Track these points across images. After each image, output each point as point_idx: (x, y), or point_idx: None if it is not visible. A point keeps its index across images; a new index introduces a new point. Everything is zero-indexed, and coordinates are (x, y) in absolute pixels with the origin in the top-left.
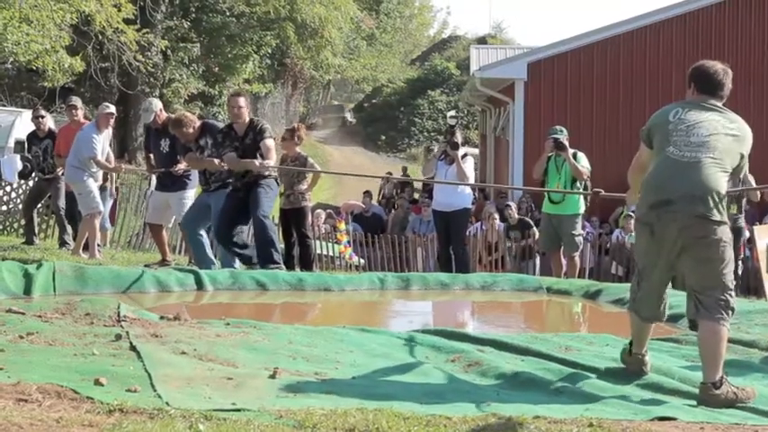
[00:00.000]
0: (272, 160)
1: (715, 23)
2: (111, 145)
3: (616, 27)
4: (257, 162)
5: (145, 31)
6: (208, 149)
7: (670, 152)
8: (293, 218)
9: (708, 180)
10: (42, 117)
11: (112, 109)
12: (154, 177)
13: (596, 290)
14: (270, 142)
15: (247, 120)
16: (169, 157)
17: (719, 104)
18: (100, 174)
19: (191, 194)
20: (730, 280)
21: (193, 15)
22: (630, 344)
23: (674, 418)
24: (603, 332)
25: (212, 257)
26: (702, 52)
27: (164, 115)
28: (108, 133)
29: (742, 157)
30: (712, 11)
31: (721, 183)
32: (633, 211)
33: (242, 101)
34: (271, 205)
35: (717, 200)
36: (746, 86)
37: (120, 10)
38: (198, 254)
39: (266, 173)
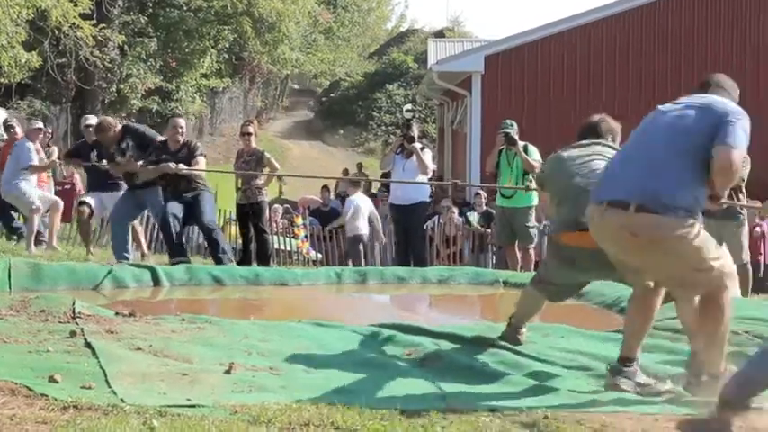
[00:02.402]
0: (202, 174)
1: (672, 15)
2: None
3: (573, 19)
4: (172, 165)
5: (102, 26)
6: (129, 151)
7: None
8: (250, 213)
9: None
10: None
11: (41, 125)
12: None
13: None
14: (201, 159)
15: (182, 141)
16: (95, 166)
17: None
18: (34, 178)
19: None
20: None
21: (150, 10)
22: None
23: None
24: (559, 323)
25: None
26: (659, 43)
27: None
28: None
29: None
30: (670, 2)
31: None
32: None
33: (183, 123)
34: (214, 211)
35: None
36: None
37: (76, 5)
38: (118, 247)
39: (201, 182)
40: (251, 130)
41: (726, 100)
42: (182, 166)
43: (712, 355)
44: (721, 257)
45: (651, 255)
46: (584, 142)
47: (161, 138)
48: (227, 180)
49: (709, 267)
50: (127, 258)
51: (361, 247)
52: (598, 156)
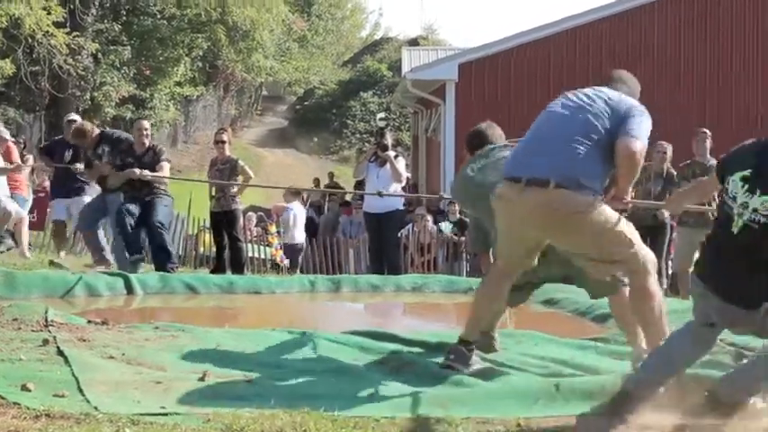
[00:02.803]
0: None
1: (648, 24)
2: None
3: (547, 27)
4: (137, 171)
5: (75, 34)
6: (105, 156)
7: None
8: (224, 221)
9: None
10: None
11: (7, 134)
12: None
13: None
14: (165, 164)
15: (148, 144)
16: (66, 168)
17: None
18: (2, 183)
19: (87, 200)
20: None
21: (124, 18)
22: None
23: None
24: (532, 330)
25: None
26: (633, 52)
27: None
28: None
29: None
30: (641, 13)
31: None
32: None
33: (148, 125)
34: (167, 214)
35: None
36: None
37: (49, 13)
38: (94, 251)
39: (162, 188)
40: (225, 138)
41: (628, 97)
42: (146, 172)
43: (654, 342)
44: (640, 246)
45: (568, 231)
46: (480, 152)
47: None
48: (201, 188)
49: (626, 242)
50: (107, 259)
51: (300, 257)
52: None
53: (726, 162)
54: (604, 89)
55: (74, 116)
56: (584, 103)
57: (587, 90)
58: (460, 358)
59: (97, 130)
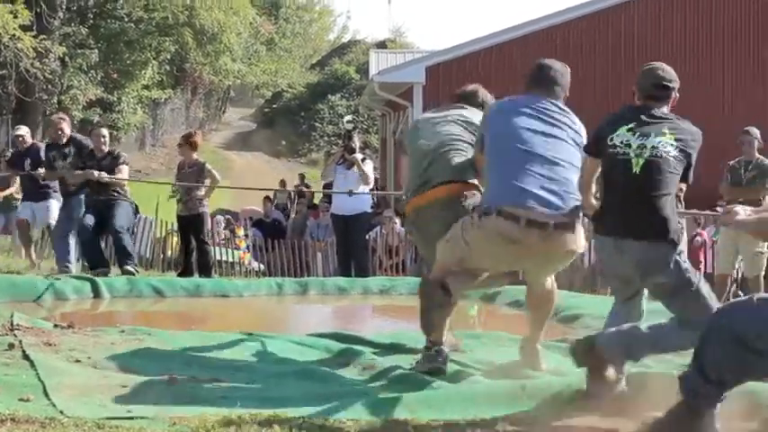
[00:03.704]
0: (123, 183)
1: (615, 25)
2: None
3: (514, 30)
4: (95, 173)
5: (42, 37)
6: (69, 157)
7: None
8: (191, 224)
9: None
10: None
11: None
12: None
13: (494, 292)
14: (124, 167)
15: (107, 150)
16: (30, 176)
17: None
18: None
19: (54, 204)
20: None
21: (91, 21)
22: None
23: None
24: (498, 332)
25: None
26: (601, 53)
27: (29, 140)
28: None
29: None
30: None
31: None
32: None
33: (106, 132)
34: (127, 218)
35: None
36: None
37: (16, 17)
38: (60, 258)
39: (121, 193)
40: (192, 140)
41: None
42: (104, 174)
43: (539, 332)
44: None
45: (561, 262)
46: (444, 106)
47: None
48: (168, 191)
49: None
50: (68, 269)
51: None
52: (453, 119)
53: (602, 130)
54: (560, 111)
55: (21, 130)
56: (553, 131)
57: (552, 108)
58: (428, 360)
59: (66, 126)
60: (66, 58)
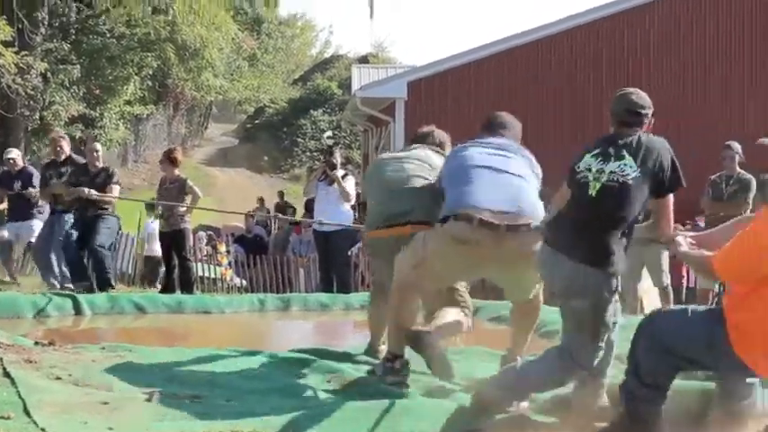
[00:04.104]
0: (110, 199)
1: (601, 39)
2: None
3: (497, 44)
4: (86, 190)
5: (24, 53)
6: (65, 176)
7: None
8: (173, 240)
9: None
10: None
11: None
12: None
13: (476, 307)
14: (115, 187)
15: (101, 165)
16: (19, 195)
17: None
18: None
19: (37, 223)
20: None
21: (73, 37)
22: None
23: None
24: (479, 346)
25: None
26: (586, 68)
27: (20, 163)
28: None
29: None
30: (597, 26)
31: None
32: None
33: (99, 147)
34: (109, 235)
35: None
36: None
37: None
38: (44, 273)
39: (107, 209)
40: (173, 156)
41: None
42: (94, 192)
43: (522, 347)
44: None
45: (520, 267)
46: (405, 147)
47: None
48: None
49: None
50: (54, 284)
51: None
52: (414, 159)
53: (573, 158)
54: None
55: (12, 153)
56: (512, 157)
57: (500, 141)
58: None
59: (66, 145)
60: (48, 74)
